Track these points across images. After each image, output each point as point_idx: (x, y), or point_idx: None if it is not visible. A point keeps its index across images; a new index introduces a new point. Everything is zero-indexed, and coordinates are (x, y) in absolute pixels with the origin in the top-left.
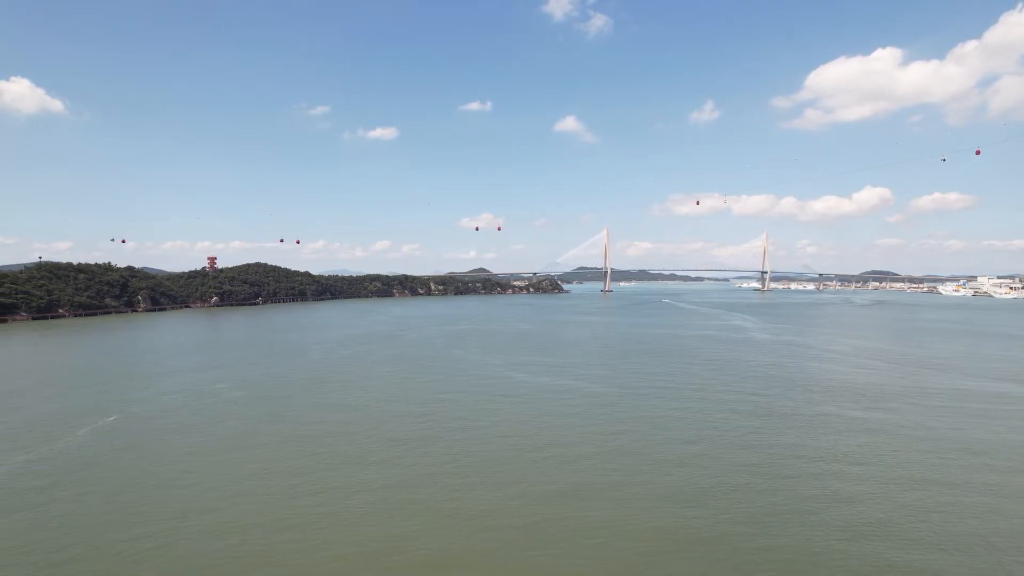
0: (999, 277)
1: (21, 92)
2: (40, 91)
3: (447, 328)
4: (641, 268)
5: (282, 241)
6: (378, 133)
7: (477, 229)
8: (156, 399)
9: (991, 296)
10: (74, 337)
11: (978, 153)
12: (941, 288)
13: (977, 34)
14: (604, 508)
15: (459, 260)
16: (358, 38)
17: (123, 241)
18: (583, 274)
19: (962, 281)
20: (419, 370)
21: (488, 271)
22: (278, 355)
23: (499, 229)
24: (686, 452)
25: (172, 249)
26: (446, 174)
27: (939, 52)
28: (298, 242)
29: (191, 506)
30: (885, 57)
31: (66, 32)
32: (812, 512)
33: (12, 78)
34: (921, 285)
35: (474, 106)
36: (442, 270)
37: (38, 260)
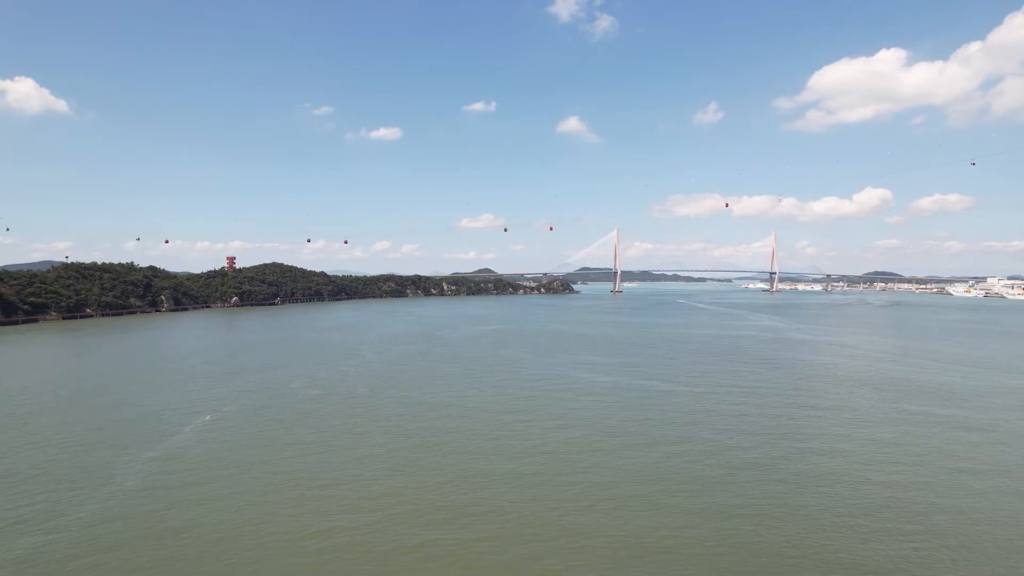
0: (1009, 278)
1: (26, 92)
2: (45, 91)
3: (481, 328)
4: (644, 269)
5: (309, 241)
6: (381, 133)
7: (502, 230)
8: (241, 397)
9: (1004, 297)
10: (115, 336)
11: (973, 164)
12: (951, 289)
13: (981, 35)
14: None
15: (459, 260)
16: (364, 38)
17: (138, 239)
18: (587, 275)
19: (971, 282)
20: (483, 369)
21: (493, 271)
22: (332, 354)
23: (505, 230)
24: (802, 449)
25: (172, 249)
26: (447, 174)
27: (943, 53)
28: (309, 240)
29: (348, 504)
30: (889, 58)
31: (71, 32)
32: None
33: (17, 78)
34: (929, 286)
35: (478, 106)
36: (442, 270)
37: (65, 259)
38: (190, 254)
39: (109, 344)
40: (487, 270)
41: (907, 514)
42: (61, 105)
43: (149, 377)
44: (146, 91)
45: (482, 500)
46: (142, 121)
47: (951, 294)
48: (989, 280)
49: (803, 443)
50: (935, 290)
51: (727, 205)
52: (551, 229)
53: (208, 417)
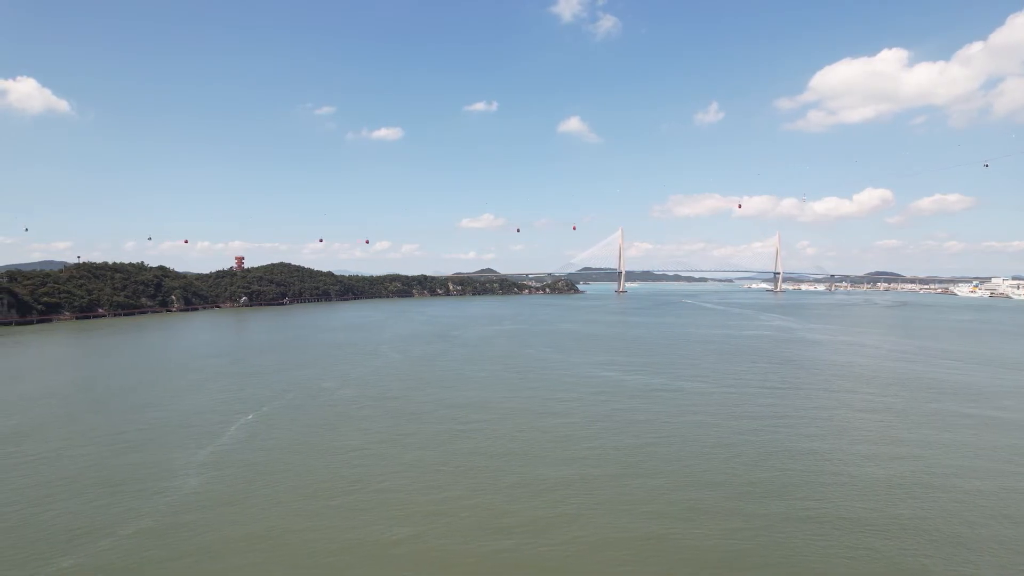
0: (1014, 278)
1: (28, 92)
2: (47, 91)
3: (495, 328)
4: (645, 269)
5: (321, 241)
6: (383, 133)
7: (513, 230)
8: (276, 397)
9: (1009, 297)
10: (133, 337)
11: (987, 166)
12: (956, 289)
13: (983, 36)
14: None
15: (459, 260)
16: (365, 38)
17: (149, 239)
18: (589, 275)
19: (975, 283)
20: (508, 369)
21: (495, 271)
22: (354, 354)
23: (518, 230)
24: (861, 453)
25: (172, 249)
26: (448, 174)
27: (945, 54)
28: (320, 240)
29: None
30: (891, 58)
31: (72, 33)
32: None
33: (19, 77)
34: (933, 286)
35: (479, 106)
36: (442, 270)
37: (78, 260)
38: (190, 254)
39: (129, 344)
40: (489, 270)
41: (973, 519)
42: (63, 105)
43: (179, 377)
44: (148, 91)
45: (551, 506)
46: (143, 121)
47: (956, 294)
48: (994, 280)
49: (859, 446)
50: (939, 290)
51: (739, 206)
52: (574, 229)
53: (250, 417)
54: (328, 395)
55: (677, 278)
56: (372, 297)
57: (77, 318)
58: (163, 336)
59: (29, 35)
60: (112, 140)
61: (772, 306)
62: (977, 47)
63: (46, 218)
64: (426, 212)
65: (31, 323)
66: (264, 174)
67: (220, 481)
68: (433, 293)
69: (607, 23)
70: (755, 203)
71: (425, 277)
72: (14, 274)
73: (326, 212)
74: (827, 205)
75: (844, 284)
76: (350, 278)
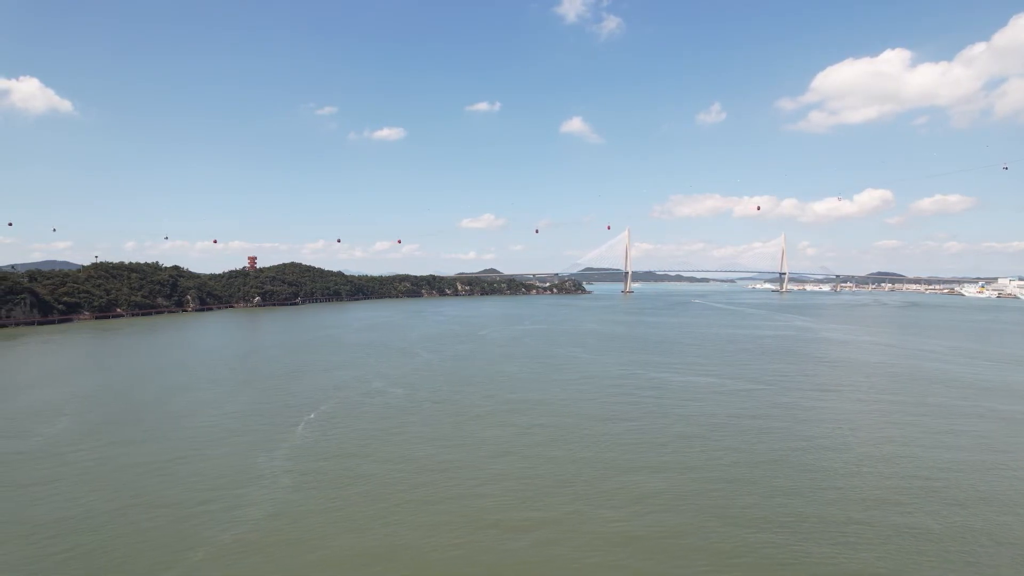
0: (1020, 279)
1: (31, 92)
2: (50, 91)
3: (518, 328)
4: (647, 269)
5: (339, 241)
6: (384, 133)
7: (535, 230)
8: (333, 396)
9: (1017, 298)
10: (159, 336)
11: (1006, 168)
12: (962, 290)
13: (986, 36)
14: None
15: (459, 260)
16: (368, 39)
17: (166, 238)
18: (591, 275)
19: (981, 283)
20: (546, 368)
21: (499, 271)
22: (389, 353)
23: (536, 231)
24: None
25: (172, 249)
26: (449, 174)
27: (948, 54)
28: (339, 240)
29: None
30: (893, 59)
31: (75, 33)
32: None
33: (22, 77)
34: (939, 287)
35: (482, 106)
36: (442, 270)
37: (95, 259)
38: (190, 254)
39: (160, 344)
40: (493, 270)
41: None
42: (66, 105)
43: (224, 376)
44: (150, 91)
45: (660, 522)
46: (146, 121)
47: (963, 295)
48: (1000, 281)
49: (952, 454)
50: (945, 291)
51: (758, 208)
52: (608, 228)
53: (312, 415)
54: (381, 394)
55: (679, 278)
56: (382, 297)
57: (96, 318)
58: (191, 336)
59: (32, 35)
60: (114, 140)
61: (783, 306)
62: (980, 48)
63: (46, 218)
64: (427, 212)
65: (52, 323)
66: (265, 174)
67: (308, 487)
68: (442, 293)
69: (611, 24)
70: (755, 203)
71: (434, 277)
72: (34, 274)
73: (326, 212)
74: (827, 205)
75: (849, 284)
76: (359, 278)
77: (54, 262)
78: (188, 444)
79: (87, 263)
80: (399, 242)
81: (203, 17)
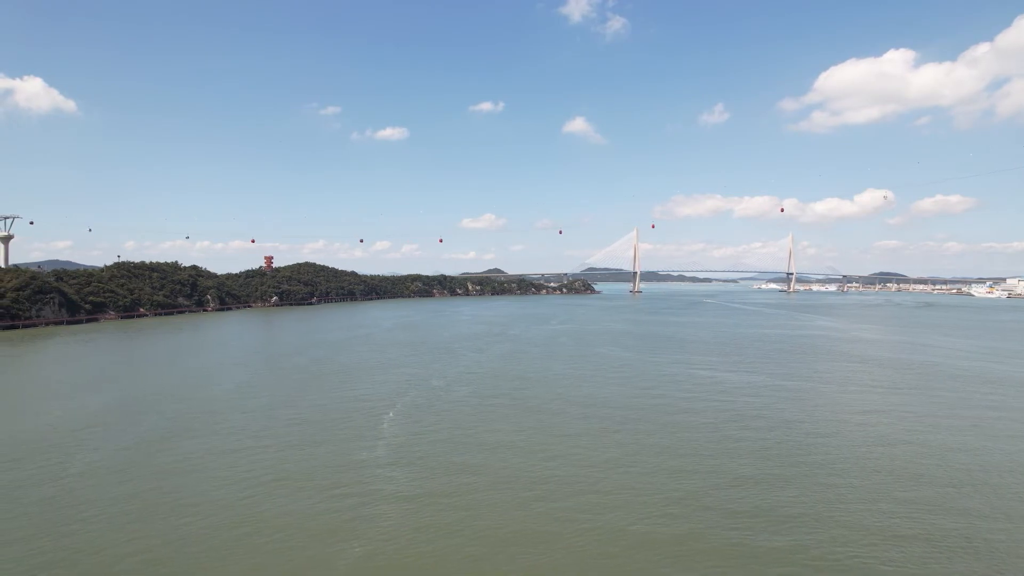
0: None
1: (35, 91)
2: (54, 91)
3: (546, 328)
4: (650, 269)
5: (362, 241)
6: (387, 133)
7: (560, 232)
8: (399, 395)
9: None
10: (192, 335)
11: None
12: (971, 290)
13: (990, 37)
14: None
15: (459, 260)
16: (372, 39)
17: (187, 237)
18: (595, 276)
19: (989, 283)
20: (593, 368)
21: (503, 271)
22: (432, 352)
23: (560, 232)
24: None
25: (172, 248)
26: (451, 174)
27: (952, 54)
28: (361, 240)
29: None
30: (897, 59)
31: (78, 33)
32: None
33: (26, 77)
34: (946, 287)
35: (486, 106)
36: (443, 270)
37: (117, 258)
38: (190, 253)
39: (200, 343)
40: (498, 270)
41: None
42: (70, 105)
43: (280, 374)
44: (154, 91)
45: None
46: (149, 121)
47: (972, 295)
48: (1009, 281)
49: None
50: (953, 291)
51: (782, 210)
52: (654, 227)
53: (391, 414)
54: (447, 392)
55: (681, 278)
56: (395, 297)
57: (121, 317)
58: (225, 335)
59: (36, 35)
60: (115, 140)
61: (797, 306)
62: (983, 48)
63: (46, 218)
64: (427, 212)
65: (80, 322)
66: (268, 174)
67: (418, 486)
68: (453, 293)
69: (616, 24)
70: (756, 203)
71: (445, 277)
72: (60, 274)
73: (327, 212)
74: (828, 205)
75: (855, 285)
76: (372, 278)
77: (56, 262)
78: (293, 441)
79: (87, 263)
80: (440, 241)
81: (207, 17)
